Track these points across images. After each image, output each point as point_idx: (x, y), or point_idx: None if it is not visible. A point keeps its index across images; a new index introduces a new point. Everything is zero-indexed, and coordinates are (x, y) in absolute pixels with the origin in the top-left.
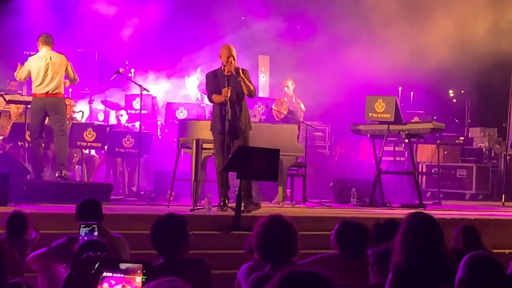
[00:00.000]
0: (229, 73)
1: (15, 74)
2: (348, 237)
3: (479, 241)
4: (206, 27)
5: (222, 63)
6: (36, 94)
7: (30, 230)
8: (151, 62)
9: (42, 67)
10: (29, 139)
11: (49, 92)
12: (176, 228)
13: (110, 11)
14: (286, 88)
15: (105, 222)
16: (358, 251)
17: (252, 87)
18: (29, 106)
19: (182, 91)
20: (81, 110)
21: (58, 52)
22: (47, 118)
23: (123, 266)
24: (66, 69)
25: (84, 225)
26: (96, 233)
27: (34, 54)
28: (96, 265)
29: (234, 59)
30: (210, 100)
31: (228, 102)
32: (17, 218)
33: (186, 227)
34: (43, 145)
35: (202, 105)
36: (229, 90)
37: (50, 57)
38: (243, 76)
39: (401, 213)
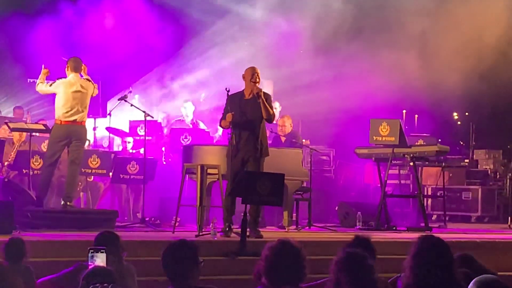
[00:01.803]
0: (250, 96)
1: (39, 80)
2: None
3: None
4: (209, 53)
5: (245, 86)
6: (62, 122)
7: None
8: (154, 85)
9: (72, 94)
10: (33, 166)
11: (77, 121)
12: (187, 254)
13: (113, 37)
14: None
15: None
16: None
17: (272, 111)
18: (34, 134)
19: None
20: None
21: (86, 79)
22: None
23: None
24: (93, 92)
25: (92, 250)
26: (101, 260)
27: (62, 78)
28: None
29: (258, 80)
30: (220, 125)
31: (232, 128)
32: (15, 244)
33: (197, 254)
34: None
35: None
36: (232, 115)
37: (81, 85)
38: (264, 99)
39: (407, 236)
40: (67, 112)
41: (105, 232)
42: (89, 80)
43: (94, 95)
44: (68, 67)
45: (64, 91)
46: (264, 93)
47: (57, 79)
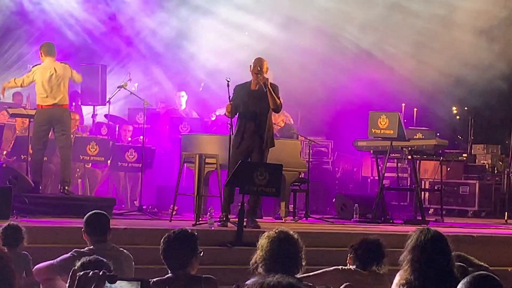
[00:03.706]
0: (256, 87)
1: (17, 80)
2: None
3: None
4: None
5: (252, 77)
6: (43, 106)
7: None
8: (154, 73)
9: (48, 78)
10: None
11: (57, 104)
12: (187, 244)
13: (111, 24)
14: None
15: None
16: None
17: (278, 101)
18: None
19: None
20: (85, 125)
21: (61, 62)
22: (50, 131)
23: (121, 283)
24: (72, 76)
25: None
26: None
27: (38, 64)
28: (94, 283)
29: (263, 72)
30: (225, 114)
31: (231, 118)
32: (11, 230)
33: (196, 244)
34: (45, 158)
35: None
36: (230, 106)
37: (55, 68)
38: (270, 88)
39: (404, 229)
40: (45, 96)
41: (95, 213)
42: (65, 63)
43: (76, 80)
44: (41, 53)
45: (40, 76)
46: (271, 83)
47: (33, 66)
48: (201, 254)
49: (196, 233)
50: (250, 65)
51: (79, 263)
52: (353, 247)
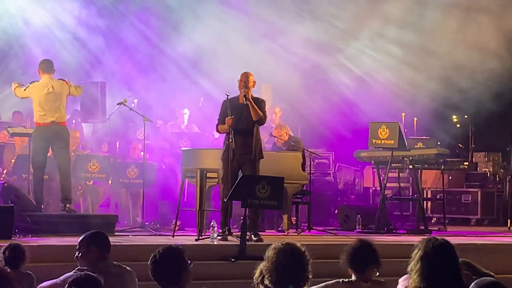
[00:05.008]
0: (243, 101)
1: (15, 84)
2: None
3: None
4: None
5: (240, 91)
6: (41, 124)
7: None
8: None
9: (45, 96)
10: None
11: (55, 121)
12: (174, 259)
13: (109, 41)
14: (273, 115)
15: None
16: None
17: (260, 113)
18: None
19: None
20: (86, 143)
21: (59, 79)
22: (49, 149)
23: None
24: (70, 92)
25: None
26: None
27: (35, 81)
28: None
29: (248, 86)
30: (217, 130)
31: (231, 132)
32: (13, 249)
33: (184, 257)
34: (47, 176)
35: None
36: (231, 120)
37: (52, 86)
38: (251, 100)
39: (407, 239)
40: (43, 114)
41: (95, 233)
42: (63, 80)
43: (75, 95)
44: (39, 70)
45: (37, 94)
46: (256, 98)
47: (30, 83)
48: (191, 266)
49: (181, 247)
50: (238, 80)
51: (70, 279)
52: (343, 259)
